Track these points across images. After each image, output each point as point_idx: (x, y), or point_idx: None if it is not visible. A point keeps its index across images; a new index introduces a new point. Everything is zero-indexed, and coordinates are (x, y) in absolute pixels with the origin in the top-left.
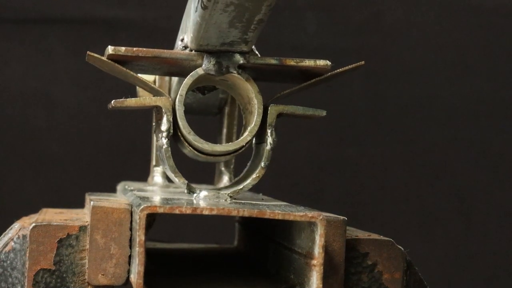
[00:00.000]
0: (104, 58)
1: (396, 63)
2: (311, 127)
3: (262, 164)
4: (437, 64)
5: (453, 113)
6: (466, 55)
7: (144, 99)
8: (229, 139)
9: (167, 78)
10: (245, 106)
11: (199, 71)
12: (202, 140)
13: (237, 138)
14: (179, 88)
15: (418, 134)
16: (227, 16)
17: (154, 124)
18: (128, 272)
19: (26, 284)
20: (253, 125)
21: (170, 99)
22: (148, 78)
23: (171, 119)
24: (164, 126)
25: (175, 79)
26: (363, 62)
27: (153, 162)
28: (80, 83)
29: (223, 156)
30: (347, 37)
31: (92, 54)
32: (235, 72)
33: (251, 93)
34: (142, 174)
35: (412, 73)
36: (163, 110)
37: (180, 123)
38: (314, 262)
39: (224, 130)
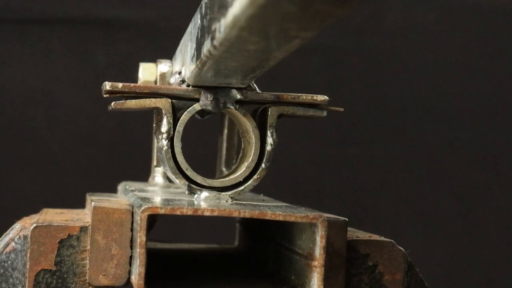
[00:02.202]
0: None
1: (396, 63)
2: (311, 127)
3: (263, 165)
4: (437, 64)
5: (453, 113)
6: (466, 55)
7: (144, 100)
8: (230, 139)
9: (167, 79)
10: (243, 133)
11: (196, 107)
12: (199, 176)
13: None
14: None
15: (418, 134)
16: (223, 74)
17: (154, 125)
18: (129, 272)
19: (27, 284)
20: (250, 160)
21: (170, 100)
22: (149, 78)
23: (171, 121)
24: (164, 128)
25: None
26: (342, 109)
27: (154, 162)
28: (80, 83)
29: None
30: (347, 37)
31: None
32: (232, 107)
33: (249, 127)
34: (142, 174)
35: (412, 73)
36: (163, 112)
37: (178, 159)
38: (315, 263)
39: (225, 131)
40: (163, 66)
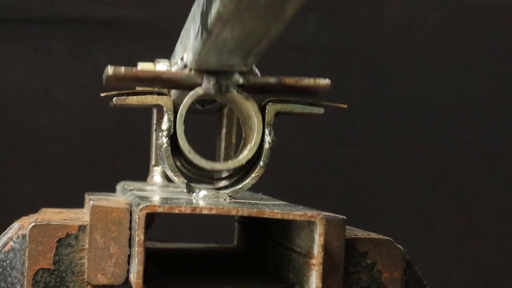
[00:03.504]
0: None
1: (396, 63)
2: (311, 126)
3: (261, 163)
4: (437, 64)
5: (453, 113)
6: (466, 55)
7: (145, 97)
8: (228, 138)
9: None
10: (244, 120)
11: (199, 91)
12: (202, 158)
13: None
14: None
15: (418, 134)
16: (227, 48)
17: (154, 123)
18: (128, 271)
19: (25, 283)
20: (253, 144)
21: (171, 98)
22: None
23: (172, 118)
24: (165, 125)
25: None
26: (345, 106)
27: (153, 162)
28: (80, 83)
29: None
30: (347, 37)
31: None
32: (234, 91)
33: (251, 111)
34: (141, 174)
35: (412, 73)
36: (164, 109)
37: (180, 142)
38: (314, 261)
39: (224, 130)
40: (161, 65)
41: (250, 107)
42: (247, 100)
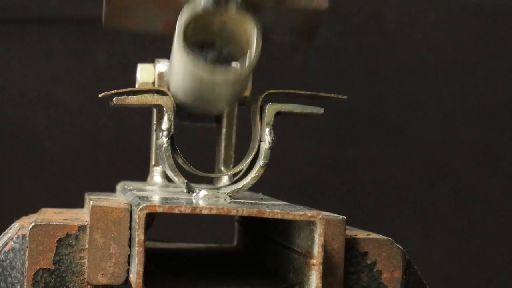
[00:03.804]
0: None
1: (396, 63)
2: (311, 126)
3: (261, 163)
4: (437, 64)
5: (453, 113)
6: (466, 55)
7: (145, 97)
8: (228, 139)
9: (166, 78)
10: (241, 51)
11: (197, 7)
12: (202, 63)
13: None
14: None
15: (418, 134)
16: None
17: (154, 123)
18: (128, 271)
19: (25, 283)
20: (253, 55)
21: (172, 98)
22: (147, 79)
23: (172, 118)
24: (165, 125)
25: (174, 80)
26: (345, 97)
27: (153, 162)
28: (80, 83)
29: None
30: (347, 37)
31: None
32: (234, 7)
33: (250, 25)
34: (141, 174)
35: (412, 73)
36: (165, 109)
37: (181, 52)
38: (313, 261)
39: (223, 130)
40: (161, 65)
41: (249, 23)
42: (246, 17)
